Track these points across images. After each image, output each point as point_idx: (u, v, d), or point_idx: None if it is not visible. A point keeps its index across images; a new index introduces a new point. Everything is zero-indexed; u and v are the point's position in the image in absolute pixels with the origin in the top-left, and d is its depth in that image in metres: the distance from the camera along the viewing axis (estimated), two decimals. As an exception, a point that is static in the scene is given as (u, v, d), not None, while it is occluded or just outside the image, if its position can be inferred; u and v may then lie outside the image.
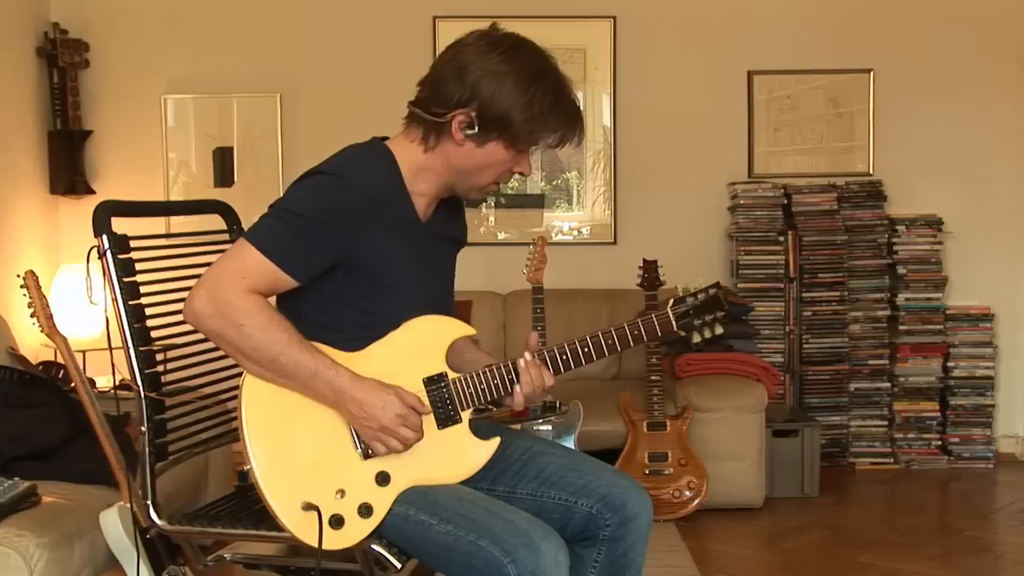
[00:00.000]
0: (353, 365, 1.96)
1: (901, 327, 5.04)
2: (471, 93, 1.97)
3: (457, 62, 2.00)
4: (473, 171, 2.05)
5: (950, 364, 5.07)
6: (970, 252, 5.18)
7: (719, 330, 2.12)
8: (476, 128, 1.98)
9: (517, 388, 2.03)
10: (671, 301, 2.11)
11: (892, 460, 5.04)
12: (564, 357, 2.06)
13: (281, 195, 2.00)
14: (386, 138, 2.13)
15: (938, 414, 5.07)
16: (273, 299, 2.04)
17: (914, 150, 5.21)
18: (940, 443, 5.07)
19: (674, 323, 2.09)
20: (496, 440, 2.05)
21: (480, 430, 2.05)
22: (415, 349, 2.03)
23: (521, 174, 2.12)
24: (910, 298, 5.04)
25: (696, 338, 2.11)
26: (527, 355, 2.05)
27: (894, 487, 4.79)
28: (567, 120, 2.05)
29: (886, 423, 5.06)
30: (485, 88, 1.97)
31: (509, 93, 1.97)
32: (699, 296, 2.10)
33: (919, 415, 5.06)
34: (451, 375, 2.03)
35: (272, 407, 1.96)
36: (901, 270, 5.04)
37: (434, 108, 2.01)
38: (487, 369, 2.04)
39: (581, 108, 2.09)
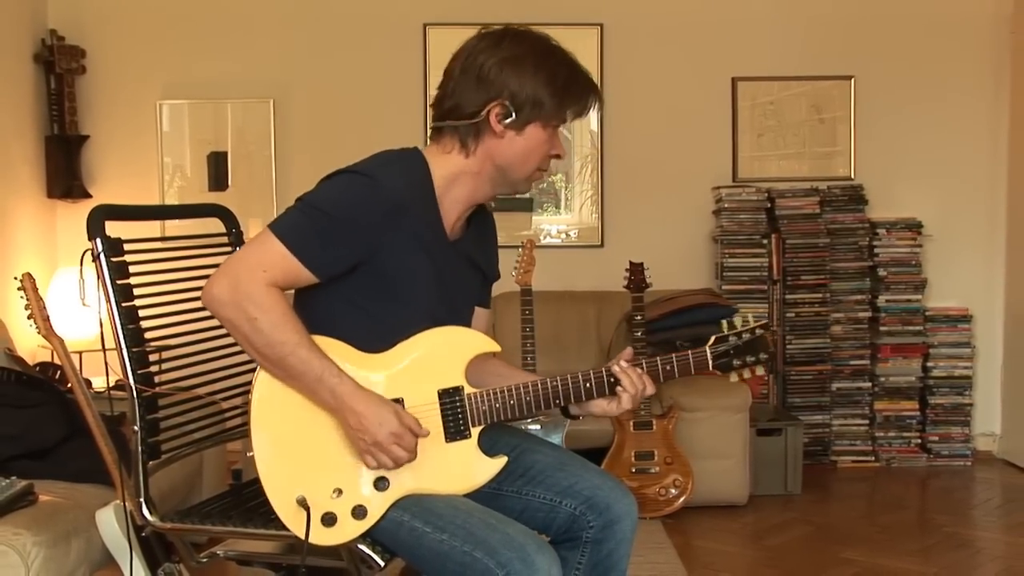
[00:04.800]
0: (371, 366, 1.95)
1: (882, 328, 5.05)
2: (499, 85, 1.97)
3: (471, 64, 1.99)
4: (518, 161, 2.03)
5: (929, 364, 5.09)
6: (949, 254, 5.20)
7: (760, 371, 2.02)
8: (513, 115, 1.98)
9: (621, 390, 2.00)
10: (712, 339, 2.01)
11: (873, 458, 5.05)
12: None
13: (309, 190, 1.96)
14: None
15: (918, 413, 5.08)
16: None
17: (894, 155, 5.24)
18: (920, 441, 5.09)
19: (710, 362, 2.02)
20: (502, 460, 2.01)
21: (487, 440, 2.01)
22: (435, 359, 1.99)
23: (558, 156, 2.10)
24: (890, 300, 5.06)
25: (734, 378, 2.03)
26: (623, 363, 2.01)
27: (875, 484, 4.80)
28: (585, 87, 2.05)
29: (867, 422, 5.07)
30: (509, 76, 1.97)
31: (532, 73, 1.97)
32: (743, 336, 2.01)
33: (899, 414, 5.07)
34: (468, 390, 1.99)
35: (283, 399, 1.95)
36: (882, 272, 5.06)
37: (466, 111, 2.00)
38: (509, 388, 2.00)
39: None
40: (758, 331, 2.01)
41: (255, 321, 1.86)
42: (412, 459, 1.93)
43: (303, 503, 1.91)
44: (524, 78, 1.97)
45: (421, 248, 1.98)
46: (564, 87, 2.00)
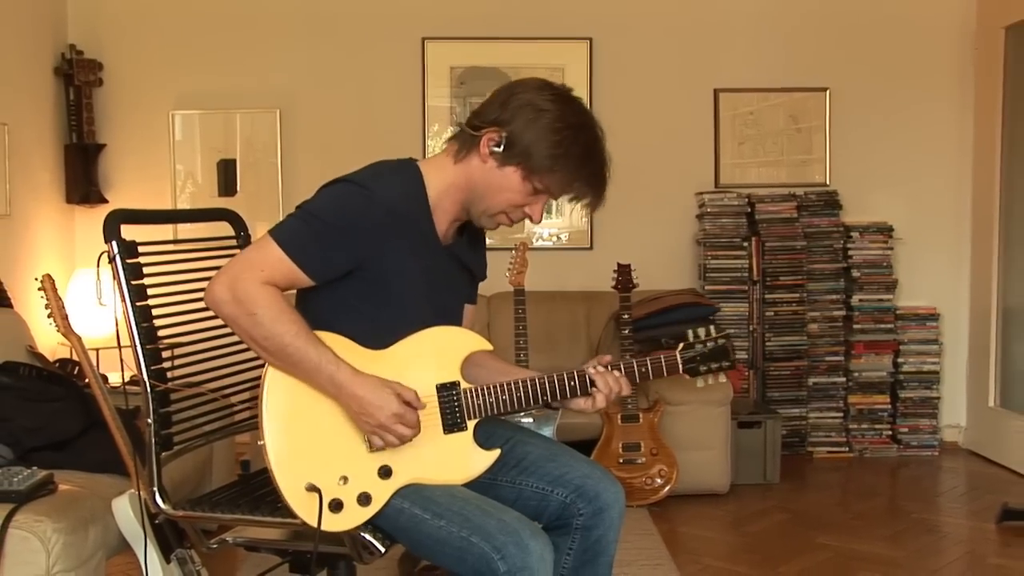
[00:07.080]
0: (372, 362, 1.94)
1: (855, 326, 5.06)
2: (509, 117, 1.97)
3: (510, 90, 2.01)
4: (487, 191, 2.02)
5: (900, 360, 5.09)
6: (918, 256, 5.21)
7: (722, 379, 2.11)
8: (502, 148, 1.97)
9: (595, 391, 2.03)
10: (680, 345, 2.09)
11: (847, 449, 5.06)
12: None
13: (308, 198, 1.97)
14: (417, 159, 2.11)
15: (889, 406, 5.09)
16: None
17: (866, 162, 5.24)
18: (890, 433, 5.10)
19: (680, 366, 2.08)
20: (496, 452, 2.02)
21: (482, 434, 2.02)
22: (433, 356, 2.00)
23: (529, 218, 2.07)
24: (863, 299, 5.06)
25: (700, 383, 2.11)
26: (599, 367, 2.04)
27: (848, 474, 4.81)
28: (589, 177, 2.03)
29: (841, 415, 5.08)
30: (521, 116, 1.96)
31: (542, 128, 1.96)
32: (708, 344, 2.09)
33: (871, 407, 5.08)
34: (464, 385, 2.00)
35: (291, 392, 1.94)
36: (855, 273, 5.06)
37: (473, 122, 2.01)
38: (501, 384, 2.01)
39: (607, 179, 2.06)
40: (720, 341, 2.11)
41: (254, 316, 1.87)
42: (416, 434, 1.93)
43: (314, 489, 1.91)
44: (532, 126, 1.95)
45: (414, 254, 1.99)
46: (563, 159, 1.97)
